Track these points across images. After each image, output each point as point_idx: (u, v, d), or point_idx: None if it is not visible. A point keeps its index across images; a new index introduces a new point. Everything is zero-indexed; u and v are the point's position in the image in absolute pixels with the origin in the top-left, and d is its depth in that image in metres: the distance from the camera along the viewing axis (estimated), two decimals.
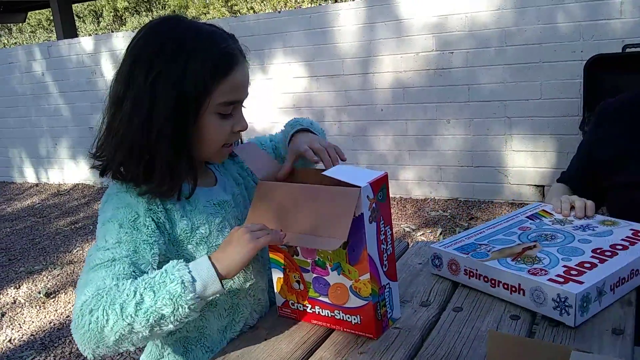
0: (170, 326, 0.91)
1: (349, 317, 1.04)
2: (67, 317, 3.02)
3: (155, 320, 0.89)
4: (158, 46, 1.02)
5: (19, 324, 3.00)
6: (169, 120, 1.01)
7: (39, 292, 3.35)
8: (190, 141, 1.06)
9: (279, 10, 4.60)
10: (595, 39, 3.51)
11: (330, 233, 0.97)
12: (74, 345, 2.70)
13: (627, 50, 3.32)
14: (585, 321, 1.00)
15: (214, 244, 1.09)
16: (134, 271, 0.96)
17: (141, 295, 0.89)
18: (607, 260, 1.10)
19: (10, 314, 3.14)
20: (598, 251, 1.13)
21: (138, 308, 0.88)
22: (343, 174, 1.02)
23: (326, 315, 1.07)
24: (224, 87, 1.04)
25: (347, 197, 0.97)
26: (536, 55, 3.69)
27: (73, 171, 6.03)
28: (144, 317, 0.88)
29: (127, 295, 0.89)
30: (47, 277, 3.60)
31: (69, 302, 3.18)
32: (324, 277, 1.05)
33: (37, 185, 6.25)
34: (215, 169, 1.23)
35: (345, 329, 1.05)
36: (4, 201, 5.75)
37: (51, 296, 3.30)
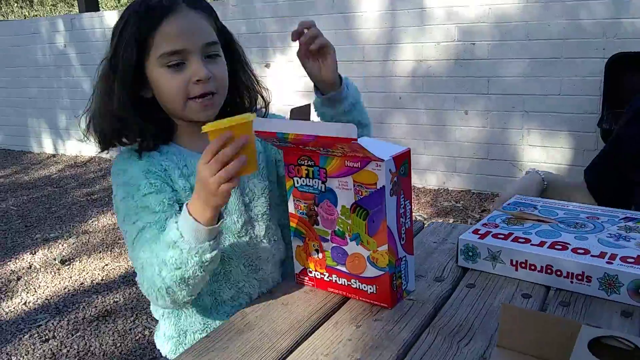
0: (199, 274, 0.99)
1: (365, 287, 1.07)
2: (81, 283, 3.08)
3: (181, 279, 0.99)
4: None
5: (34, 288, 3.07)
6: (123, 86, 1.10)
7: (54, 259, 3.42)
8: (154, 100, 1.15)
9: None
10: (618, 37, 3.49)
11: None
12: (87, 311, 2.76)
13: None
14: (595, 303, 1.02)
15: None
16: (161, 226, 1.05)
17: (159, 268, 1.00)
18: (566, 250, 1.10)
19: (25, 278, 3.21)
20: (585, 247, 1.10)
21: (163, 278, 1.00)
22: (367, 146, 1.05)
23: (343, 283, 1.10)
24: (157, 40, 1.08)
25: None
26: (558, 50, 3.68)
27: (90, 144, 6.08)
28: (172, 280, 0.99)
29: (154, 269, 1.00)
30: (62, 245, 3.67)
31: (84, 270, 3.25)
32: (343, 247, 1.08)
33: (54, 155, 6.33)
34: None
35: (360, 298, 1.09)
36: (21, 170, 5.84)
37: (66, 263, 3.37)
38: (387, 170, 0.99)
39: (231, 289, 1.20)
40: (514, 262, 1.13)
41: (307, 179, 1.09)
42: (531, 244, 1.14)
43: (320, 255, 1.12)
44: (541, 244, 1.13)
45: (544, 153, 3.90)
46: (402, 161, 1.03)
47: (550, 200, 1.41)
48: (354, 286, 1.09)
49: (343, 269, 1.09)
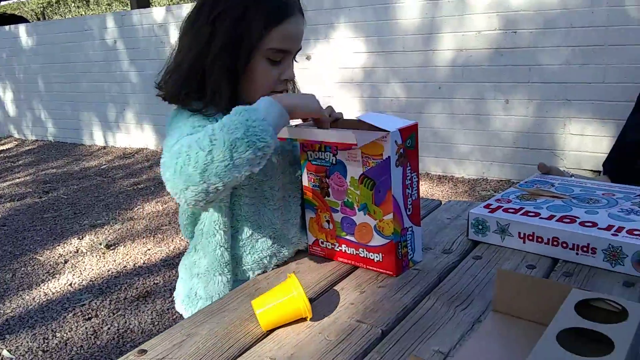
0: (249, 152, 0.92)
1: (371, 255, 1.11)
2: (124, 266, 3.22)
3: (231, 142, 0.92)
4: None
5: (80, 271, 3.22)
6: (225, 51, 1.10)
7: (100, 244, 3.57)
8: (240, 80, 1.14)
9: None
10: None
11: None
12: (129, 292, 2.88)
13: None
14: (599, 275, 1.02)
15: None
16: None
17: (212, 129, 0.94)
18: (573, 223, 1.11)
19: (72, 261, 3.37)
20: (593, 221, 1.11)
21: (212, 136, 0.93)
22: (375, 120, 1.08)
23: (351, 253, 1.14)
24: (275, 34, 1.12)
25: (373, 134, 1.03)
26: (602, 37, 3.59)
27: (139, 136, 6.30)
28: (222, 141, 0.92)
29: (203, 134, 0.95)
30: (108, 231, 3.83)
31: (127, 254, 3.39)
32: (351, 217, 1.12)
33: (104, 147, 6.57)
34: None
35: (367, 267, 1.12)
36: (73, 161, 6.09)
37: (111, 247, 3.51)
38: (393, 142, 1.03)
39: (254, 254, 1.21)
40: (522, 235, 1.14)
41: (320, 152, 1.13)
42: (540, 217, 1.15)
43: (331, 226, 1.16)
44: (550, 218, 1.14)
45: (587, 142, 3.81)
46: (409, 134, 1.06)
47: (569, 178, 1.40)
48: (362, 255, 1.12)
49: (352, 238, 1.13)
